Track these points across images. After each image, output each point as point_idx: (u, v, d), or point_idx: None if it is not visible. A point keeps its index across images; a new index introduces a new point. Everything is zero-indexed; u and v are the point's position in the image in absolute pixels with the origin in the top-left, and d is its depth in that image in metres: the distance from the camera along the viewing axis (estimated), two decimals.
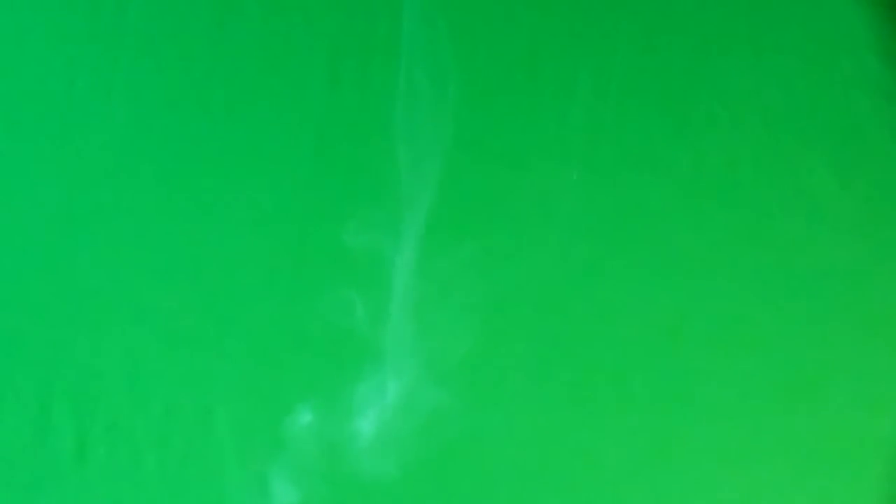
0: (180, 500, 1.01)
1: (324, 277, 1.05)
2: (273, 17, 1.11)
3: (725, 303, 1.06)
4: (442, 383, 1.02)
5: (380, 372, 1.02)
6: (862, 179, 1.08)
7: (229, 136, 1.09)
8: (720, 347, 1.04)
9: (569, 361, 1.04)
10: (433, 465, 1.02)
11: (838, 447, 1.02)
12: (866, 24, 1.11)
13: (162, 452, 1.01)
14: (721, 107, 1.10)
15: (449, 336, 1.03)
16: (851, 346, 1.04)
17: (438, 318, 1.03)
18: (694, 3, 1.13)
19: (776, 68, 1.11)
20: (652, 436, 1.03)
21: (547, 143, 1.09)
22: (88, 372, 1.03)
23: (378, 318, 1.03)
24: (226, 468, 1.01)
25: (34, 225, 1.06)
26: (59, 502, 1.01)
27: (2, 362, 1.03)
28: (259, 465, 1.01)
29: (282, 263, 1.06)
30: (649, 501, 1.02)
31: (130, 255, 1.06)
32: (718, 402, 1.03)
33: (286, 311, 1.05)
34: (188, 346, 1.04)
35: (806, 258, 1.06)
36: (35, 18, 1.11)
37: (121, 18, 1.11)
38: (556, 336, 1.05)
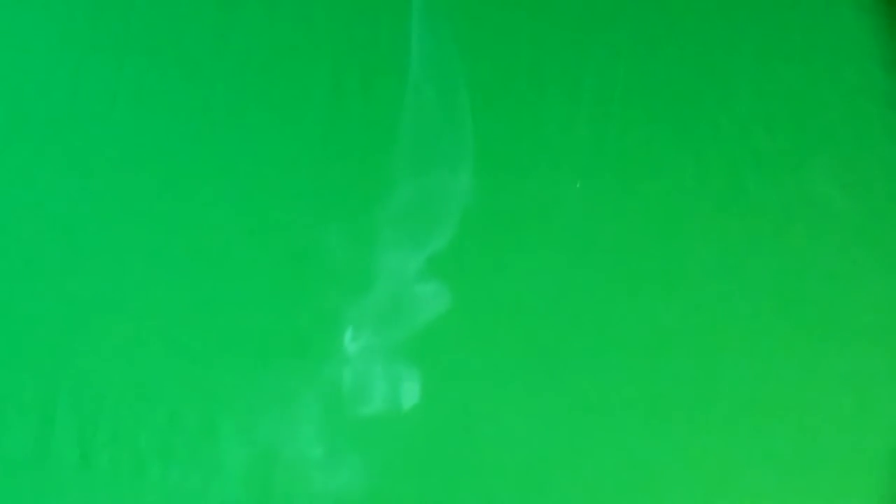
0: None
1: (328, 287, 1.05)
2: (277, 26, 1.12)
3: (728, 311, 1.05)
4: (437, 390, 1.02)
5: (378, 377, 1.02)
6: (866, 188, 1.08)
7: (232, 144, 1.09)
8: (723, 355, 1.04)
9: (571, 370, 1.04)
10: (428, 470, 1.02)
11: (840, 453, 1.02)
12: (870, 33, 1.12)
13: (165, 462, 1.01)
14: (725, 116, 1.10)
15: (449, 342, 1.03)
16: (854, 353, 1.04)
17: (438, 325, 1.03)
18: (697, 12, 1.13)
19: (780, 77, 1.11)
20: (652, 444, 1.02)
21: (551, 152, 1.09)
22: (91, 381, 1.02)
23: (379, 326, 1.03)
24: (229, 478, 1.01)
25: (37, 233, 1.06)
26: None
27: (4, 371, 1.03)
28: (262, 475, 1.00)
29: (285, 273, 1.06)
30: None
31: (134, 263, 1.06)
32: (720, 408, 1.03)
33: (290, 320, 1.05)
34: (192, 354, 1.03)
35: (809, 266, 1.06)
36: (38, 25, 1.11)
37: (125, 26, 1.11)
38: (557, 345, 1.05)
